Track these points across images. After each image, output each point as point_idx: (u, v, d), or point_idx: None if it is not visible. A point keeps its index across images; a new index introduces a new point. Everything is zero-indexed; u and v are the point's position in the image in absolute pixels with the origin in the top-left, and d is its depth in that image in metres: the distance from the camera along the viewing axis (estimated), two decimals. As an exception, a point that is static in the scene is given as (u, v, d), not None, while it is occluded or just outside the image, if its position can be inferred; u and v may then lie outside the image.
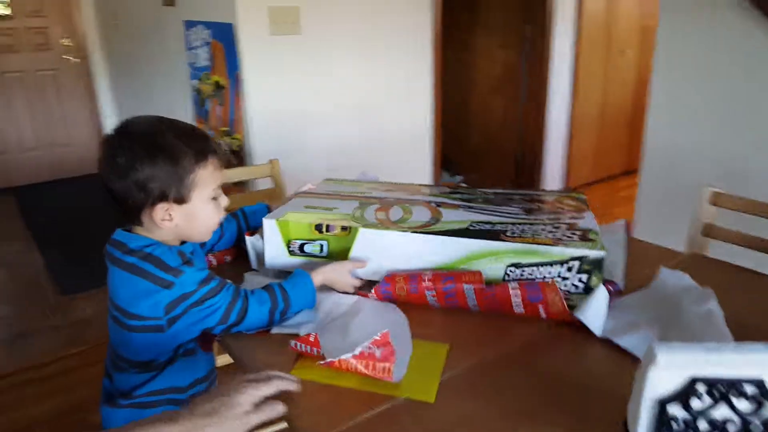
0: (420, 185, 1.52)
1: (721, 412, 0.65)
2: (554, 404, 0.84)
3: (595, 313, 1.00)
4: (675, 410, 0.65)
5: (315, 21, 2.71)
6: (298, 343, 0.94)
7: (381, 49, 3.00)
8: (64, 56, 4.26)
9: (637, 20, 4.27)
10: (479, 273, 1.06)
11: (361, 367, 0.87)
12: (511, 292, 1.04)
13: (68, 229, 3.60)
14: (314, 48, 2.75)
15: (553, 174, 4.13)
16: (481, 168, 4.32)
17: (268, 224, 1.19)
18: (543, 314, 1.04)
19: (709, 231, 1.50)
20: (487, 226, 1.15)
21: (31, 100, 4.25)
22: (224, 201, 1.07)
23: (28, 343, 2.48)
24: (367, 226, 1.16)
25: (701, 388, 0.64)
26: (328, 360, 0.89)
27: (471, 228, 1.14)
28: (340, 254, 1.18)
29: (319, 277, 1.11)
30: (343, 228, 1.16)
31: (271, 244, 1.20)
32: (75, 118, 4.41)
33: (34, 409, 2.05)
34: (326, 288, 1.15)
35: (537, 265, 1.06)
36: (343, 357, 0.87)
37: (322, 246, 1.18)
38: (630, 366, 0.81)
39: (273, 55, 2.63)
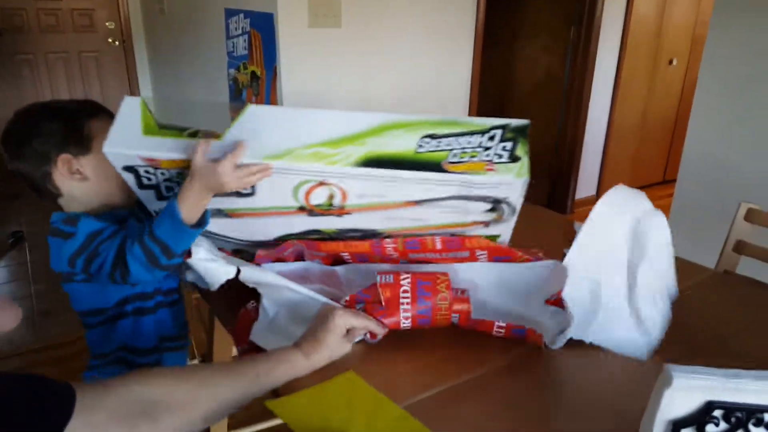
0: None
1: (738, 439, 0.63)
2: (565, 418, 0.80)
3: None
4: (688, 433, 0.63)
5: (356, 15, 2.67)
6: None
7: (421, 46, 2.96)
8: (108, 39, 4.31)
9: (690, 28, 4.13)
10: (467, 301, 0.99)
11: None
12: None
13: (101, 210, 3.63)
14: (353, 42, 2.72)
15: (587, 180, 4.06)
16: (515, 172, 4.23)
17: (130, 102, 0.92)
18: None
19: (741, 247, 1.44)
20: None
21: (72, 80, 4.30)
22: None
23: (55, 320, 2.52)
24: None
25: (718, 413, 0.62)
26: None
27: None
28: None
29: (185, 190, 0.88)
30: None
31: (124, 125, 0.90)
32: (114, 100, 4.39)
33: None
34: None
35: (455, 135, 0.96)
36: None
37: None
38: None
39: (311, 47, 2.60)
